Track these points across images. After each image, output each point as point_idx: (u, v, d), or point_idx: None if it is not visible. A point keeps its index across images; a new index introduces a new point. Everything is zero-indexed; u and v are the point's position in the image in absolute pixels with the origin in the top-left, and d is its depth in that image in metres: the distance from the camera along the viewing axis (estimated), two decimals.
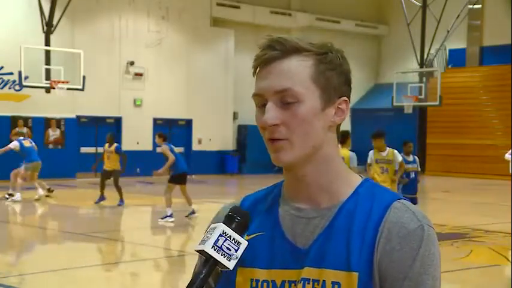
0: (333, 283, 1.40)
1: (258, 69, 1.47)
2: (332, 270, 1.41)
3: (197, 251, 1.40)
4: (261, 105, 1.45)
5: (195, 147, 26.98)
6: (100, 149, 23.90)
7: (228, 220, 1.43)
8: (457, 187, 23.65)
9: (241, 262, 1.46)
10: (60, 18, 20.21)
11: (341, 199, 1.47)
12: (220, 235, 1.39)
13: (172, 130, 26.60)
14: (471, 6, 28.58)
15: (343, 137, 10.70)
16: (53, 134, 23.12)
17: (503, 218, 13.88)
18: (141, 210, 16.44)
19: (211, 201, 18.10)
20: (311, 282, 1.42)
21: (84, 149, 24.03)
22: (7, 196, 16.77)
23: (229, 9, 27.86)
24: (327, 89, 1.45)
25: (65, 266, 9.39)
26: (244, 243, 1.41)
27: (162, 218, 13.59)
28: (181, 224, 14.13)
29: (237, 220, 1.43)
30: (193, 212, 13.97)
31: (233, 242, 1.40)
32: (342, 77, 1.47)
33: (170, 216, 13.51)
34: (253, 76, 1.48)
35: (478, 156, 27.76)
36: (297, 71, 1.43)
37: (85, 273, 9.29)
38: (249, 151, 28.18)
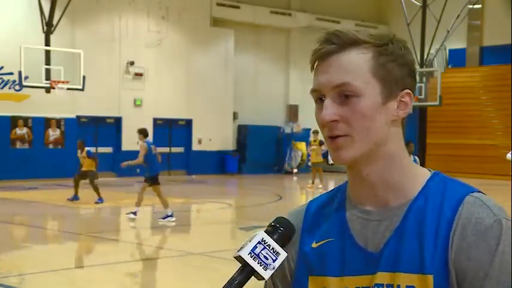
0: (408, 287, 1.33)
1: (316, 64, 1.41)
2: (406, 273, 1.34)
3: (234, 257, 1.35)
4: (319, 100, 1.39)
5: (195, 147, 26.98)
6: (100, 149, 23.99)
7: (271, 230, 1.38)
8: None
9: (312, 270, 1.42)
10: (60, 18, 20.20)
11: (410, 196, 1.39)
12: (259, 242, 1.34)
13: (172, 130, 26.61)
14: (471, 6, 28.58)
15: None
16: (53, 134, 23.11)
17: None
18: (141, 210, 16.41)
19: (211, 201, 18.10)
20: (384, 287, 1.36)
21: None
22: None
23: (229, 9, 27.85)
24: (388, 82, 1.38)
25: (65, 266, 9.39)
26: (283, 254, 1.35)
27: (127, 214, 13.66)
28: (181, 224, 14.12)
29: (280, 231, 1.38)
30: (171, 215, 13.47)
31: (272, 251, 1.34)
32: (405, 68, 1.40)
33: (135, 213, 13.51)
34: (311, 71, 1.42)
35: (478, 156, 27.75)
36: (356, 65, 1.36)
37: (85, 273, 9.29)
38: (249, 151, 28.19)
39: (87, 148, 16.65)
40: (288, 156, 29.27)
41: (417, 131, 29.72)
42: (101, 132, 24.62)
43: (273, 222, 1.40)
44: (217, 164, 27.43)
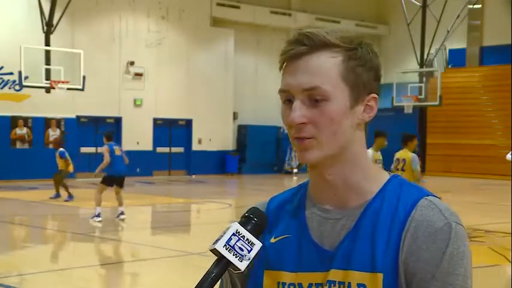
0: (359, 285, 1.37)
1: (285, 64, 1.42)
2: (357, 271, 1.37)
3: (210, 250, 1.36)
4: (287, 101, 1.41)
5: (195, 147, 26.98)
6: (100, 149, 23.97)
7: (245, 221, 1.39)
8: (457, 187, 23.64)
9: (268, 265, 1.44)
10: (60, 18, 20.21)
11: (368, 198, 1.43)
12: (233, 234, 1.35)
13: (172, 130, 26.61)
14: (471, 6, 28.58)
15: (406, 139, 10.74)
16: (53, 134, 23.11)
17: (503, 218, 13.88)
18: (141, 210, 16.43)
19: (211, 201, 18.11)
20: (337, 285, 1.39)
21: (84, 149, 24.02)
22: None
23: (229, 9, 27.85)
24: (356, 87, 1.40)
25: (65, 266, 9.39)
26: (258, 245, 1.36)
27: (91, 218, 13.58)
28: (181, 224, 14.14)
29: (253, 221, 1.39)
30: (122, 213, 13.78)
31: (246, 242, 1.35)
32: (372, 72, 1.42)
33: (98, 216, 13.46)
34: (280, 71, 1.43)
35: (478, 156, 27.76)
36: (326, 69, 1.38)
37: (85, 273, 9.29)
38: (249, 151, 28.19)
39: (61, 149, 17.34)
40: (287, 156, 29.27)
41: (417, 131, 29.73)
42: (101, 133, 24.62)
43: (246, 213, 1.41)
44: (217, 164, 27.43)
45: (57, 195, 17.38)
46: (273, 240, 1.47)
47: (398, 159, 10.91)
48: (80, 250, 11.03)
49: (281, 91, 1.42)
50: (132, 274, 9.66)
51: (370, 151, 10.95)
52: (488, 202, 18.56)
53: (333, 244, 1.42)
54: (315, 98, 1.38)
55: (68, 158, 17.48)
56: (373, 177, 1.45)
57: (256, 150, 28.35)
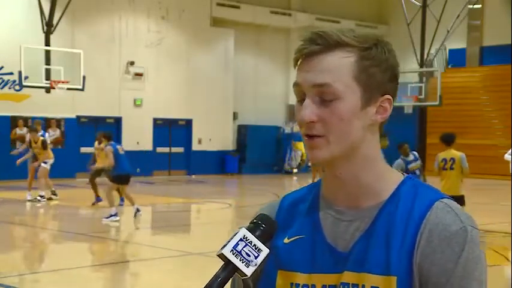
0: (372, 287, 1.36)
1: (299, 62, 1.42)
2: (371, 274, 1.36)
3: (217, 255, 1.35)
4: (301, 100, 1.42)
5: (195, 147, 26.98)
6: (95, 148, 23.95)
7: (253, 227, 1.39)
8: None
9: (281, 265, 1.44)
10: (60, 18, 20.20)
11: (382, 199, 1.41)
12: (240, 239, 1.35)
13: (172, 130, 26.61)
14: (471, 6, 28.57)
15: (450, 139, 10.76)
16: (53, 134, 23.10)
17: (503, 218, 13.89)
18: (141, 210, 16.41)
19: (211, 201, 18.10)
20: (350, 287, 1.38)
21: (84, 149, 24.00)
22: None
23: (229, 9, 27.85)
24: (369, 87, 1.39)
25: (65, 266, 9.39)
26: (265, 251, 1.36)
27: (106, 218, 13.51)
28: (181, 224, 14.14)
29: (262, 228, 1.39)
30: (138, 210, 13.88)
31: (254, 248, 1.35)
32: (387, 73, 1.41)
33: (115, 215, 13.47)
34: (294, 68, 1.43)
35: (478, 156, 27.70)
36: (339, 68, 1.37)
37: (85, 273, 9.29)
38: (249, 151, 28.18)
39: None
40: (287, 156, 29.27)
41: (417, 131, 29.73)
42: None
43: (254, 219, 1.41)
44: (217, 164, 27.42)
45: (98, 200, 15.84)
46: (286, 240, 1.46)
47: (445, 159, 10.86)
48: (80, 250, 11.03)
49: (295, 85, 1.42)
50: (132, 274, 9.66)
51: None
52: (488, 202, 18.60)
53: (347, 246, 1.41)
54: (325, 97, 1.38)
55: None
56: (386, 178, 1.44)
57: (256, 150, 28.34)
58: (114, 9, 24.50)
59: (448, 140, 10.99)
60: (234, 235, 1.36)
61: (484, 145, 27.70)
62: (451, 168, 10.80)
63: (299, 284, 1.43)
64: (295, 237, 1.46)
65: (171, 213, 16.45)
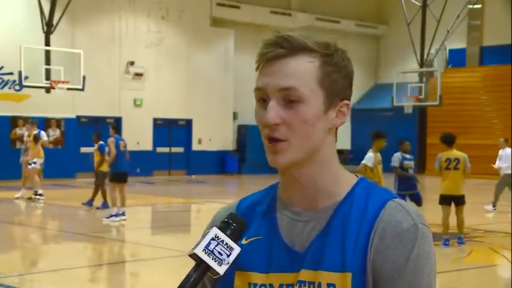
0: (328, 285, 1.39)
1: (262, 65, 1.44)
2: (327, 272, 1.40)
3: (189, 255, 1.37)
4: (261, 101, 1.43)
5: (195, 147, 26.98)
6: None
7: (224, 226, 1.40)
8: None
9: (239, 266, 1.45)
10: (60, 18, 20.20)
11: (337, 200, 1.45)
12: (212, 239, 1.36)
13: (172, 130, 26.61)
14: (471, 6, 28.58)
15: (451, 140, 10.77)
16: (53, 134, 23.11)
17: (503, 218, 13.89)
18: (141, 210, 16.44)
19: (211, 201, 18.10)
20: (307, 285, 1.41)
21: (84, 149, 23.99)
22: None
23: (229, 9, 27.85)
24: (331, 92, 1.43)
25: (65, 266, 9.39)
26: (237, 249, 1.37)
27: (106, 218, 13.48)
28: (181, 224, 14.14)
29: (232, 227, 1.40)
30: (123, 214, 13.56)
31: (225, 246, 1.36)
32: (346, 79, 1.46)
33: (115, 215, 13.44)
34: (256, 71, 1.45)
35: (478, 156, 27.67)
36: (304, 72, 1.40)
37: (85, 273, 9.29)
38: (248, 151, 28.17)
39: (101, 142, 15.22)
40: None
41: (417, 131, 29.74)
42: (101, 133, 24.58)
43: (225, 218, 1.42)
44: (217, 164, 27.43)
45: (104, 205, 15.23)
46: (244, 241, 1.47)
47: (449, 159, 10.83)
48: (80, 250, 11.02)
49: (257, 89, 1.44)
50: (132, 274, 9.66)
51: (370, 153, 10.71)
52: (488, 202, 18.57)
53: (304, 245, 1.44)
54: (290, 99, 1.40)
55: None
56: (341, 180, 1.48)
57: (256, 150, 28.19)
58: (114, 9, 24.50)
59: (449, 141, 10.98)
60: (205, 235, 1.37)
61: (484, 145, 27.67)
62: (456, 168, 10.79)
63: (257, 284, 1.46)
64: (253, 238, 1.49)
65: (171, 213, 16.45)
